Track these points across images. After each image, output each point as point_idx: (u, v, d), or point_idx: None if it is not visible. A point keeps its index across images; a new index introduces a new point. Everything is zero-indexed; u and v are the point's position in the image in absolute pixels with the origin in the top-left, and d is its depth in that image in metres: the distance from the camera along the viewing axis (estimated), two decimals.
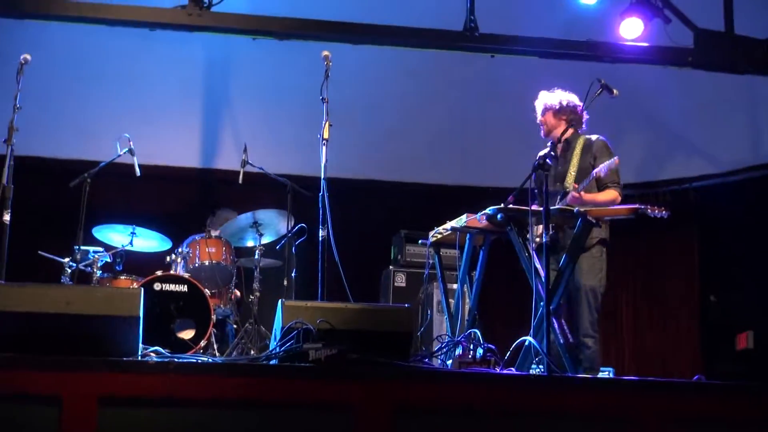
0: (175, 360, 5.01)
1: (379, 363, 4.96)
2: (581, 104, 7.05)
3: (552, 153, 6.31)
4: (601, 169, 6.58)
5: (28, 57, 6.81)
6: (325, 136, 6.78)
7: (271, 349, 5.40)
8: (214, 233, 8.60)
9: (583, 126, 7.22)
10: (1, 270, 6.30)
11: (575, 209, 6.34)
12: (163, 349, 6.89)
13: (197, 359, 5.32)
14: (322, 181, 6.76)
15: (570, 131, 6.96)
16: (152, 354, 5.51)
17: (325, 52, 7.03)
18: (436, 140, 10.76)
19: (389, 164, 10.81)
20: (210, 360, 5.52)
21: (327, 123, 6.80)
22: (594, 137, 7.07)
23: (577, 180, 6.77)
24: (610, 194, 6.82)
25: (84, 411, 4.48)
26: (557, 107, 7.16)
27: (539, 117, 7.30)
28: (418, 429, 4.76)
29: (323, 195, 6.71)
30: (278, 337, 5.18)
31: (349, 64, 9.50)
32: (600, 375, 7.91)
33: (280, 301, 5.29)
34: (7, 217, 6.47)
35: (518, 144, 9.21)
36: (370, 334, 5.18)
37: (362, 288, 9.84)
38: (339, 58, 8.99)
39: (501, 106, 10.30)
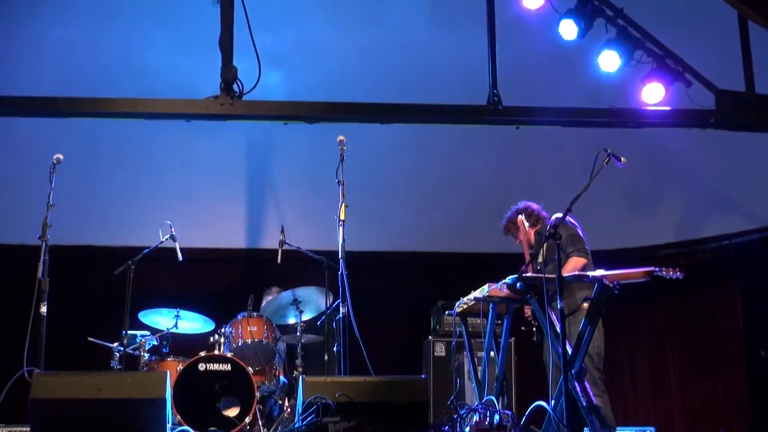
0: None
1: None
2: (527, 203, 7.73)
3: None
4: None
5: (61, 157, 7.22)
6: (342, 217, 7.10)
7: (293, 424, 5.62)
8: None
9: (541, 215, 7.66)
10: (40, 359, 6.57)
11: (590, 275, 6.49)
12: (211, 427, 7.20)
13: None
14: (341, 261, 7.03)
15: (535, 229, 7.52)
16: None
17: (340, 137, 7.35)
18: (472, 209, 10.93)
19: (428, 236, 11.02)
20: None
21: (343, 204, 7.11)
22: (552, 218, 7.34)
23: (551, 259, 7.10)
24: (572, 262, 7.16)
25: None
26: (514, 220, 7.76)
27: (516, 240, 7.84)
28: None
29: (342, 273, 6.97)
30: (299, 412, 5.39)
31: (380, 141, 9.85)
32: None
33: (300, 377, 5.51)
34: (43, 309, 6.77)
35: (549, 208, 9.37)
36: (388, 405, 5.37)
37: (406, 359, 10.08)
38: (373, 136, 9.33)
39: (529, 172, 10.49)
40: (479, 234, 10.88)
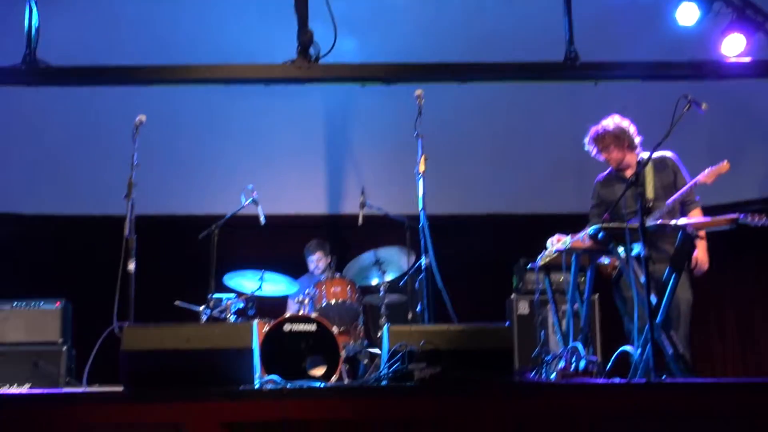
0: (288, 386, 5.33)
1: (481, 379, 5.17)
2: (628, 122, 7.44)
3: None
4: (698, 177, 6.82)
5: (143, 118, 7.27)
6: (421, 169, 7.12)
7: (378, 371, 5.67)
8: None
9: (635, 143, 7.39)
10: (130, 314, 6.70)
11: (674, 223, 6.45)
12: None
13: (309, 385, 5.61)
14: (421, 212, 7.07)
15: (635, 153, 7.23)
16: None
17: (418, 91, 7.35)
18: (551, 169, 10.88)
19: (508, 197, 10.99)
20: (321, 385, 5.79)
21: (423, 157, 7.13)
22: (664, 154, 7.30)
23: (664, 195, 7.08)
24: (698, 213, 7.18)
25: None
26: (619, 135, 7.42)
27: (604, 154, 7.51)
28: None
29: (423, 226, 7.01)
30: (385, 360, 5.45)
31: (458, 102, 9.83)
32: None
33: (385, 325, 5.56)
34: (131, 266, 6.89)
35: None
36: (472, 352, 5.40)
37: (490, 317, 10.04)
38: (451, 97, 9.30)
39: None
40: (560, 194, 10.82)
